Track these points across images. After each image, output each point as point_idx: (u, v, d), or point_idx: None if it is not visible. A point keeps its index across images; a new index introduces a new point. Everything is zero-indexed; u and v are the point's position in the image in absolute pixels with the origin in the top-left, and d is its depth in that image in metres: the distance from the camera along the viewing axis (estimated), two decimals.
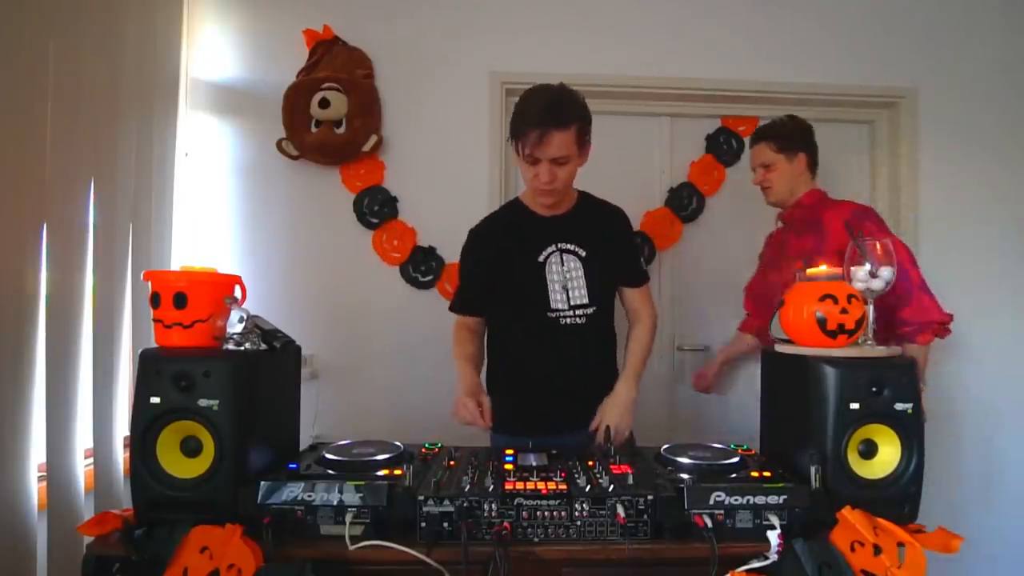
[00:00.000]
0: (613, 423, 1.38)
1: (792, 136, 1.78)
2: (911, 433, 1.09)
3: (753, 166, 1.85)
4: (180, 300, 1.08)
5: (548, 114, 1.34)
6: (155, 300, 1.09)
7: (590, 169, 2.19)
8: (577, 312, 1.48)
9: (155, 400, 1.02)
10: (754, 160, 1.84)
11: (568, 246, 1.49)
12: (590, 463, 1.20)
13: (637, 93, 2.21)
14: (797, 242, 1.78)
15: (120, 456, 1.58)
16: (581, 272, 1.48)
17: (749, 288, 2.06)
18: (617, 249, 1.55)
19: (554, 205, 1.51)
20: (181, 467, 1.04)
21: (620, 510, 1.00)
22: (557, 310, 1.47)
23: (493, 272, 1.52)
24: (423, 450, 1.31)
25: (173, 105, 1.98)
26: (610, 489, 1.02)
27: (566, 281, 1.47)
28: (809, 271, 1.23)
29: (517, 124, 1.38)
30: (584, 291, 1.47)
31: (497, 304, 1.55)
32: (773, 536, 0.97)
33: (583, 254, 1.49)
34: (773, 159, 1.78)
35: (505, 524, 0.99)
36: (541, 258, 1.48)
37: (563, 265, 1.48)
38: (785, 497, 1.02)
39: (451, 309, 1.63)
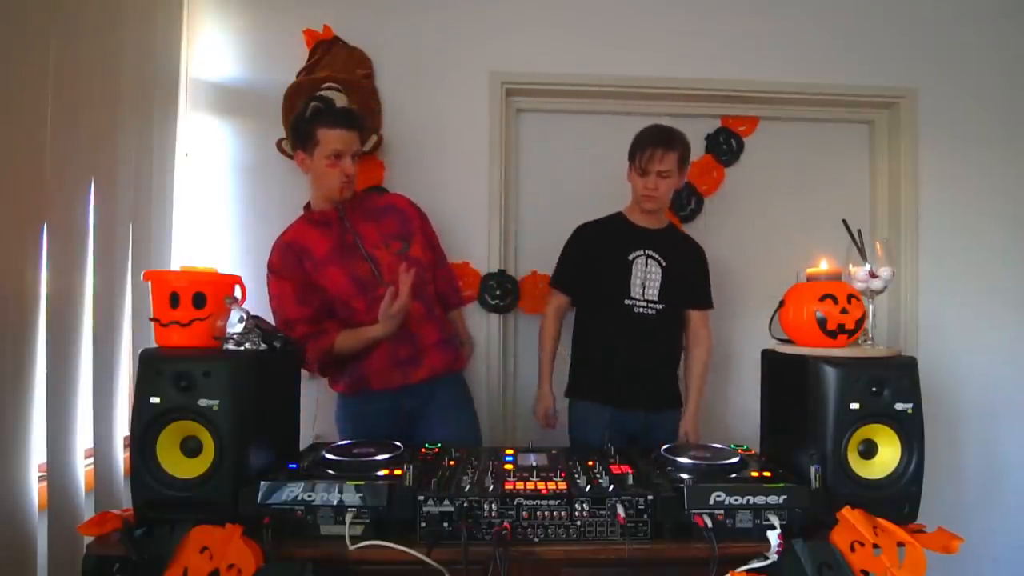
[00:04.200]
0: (689, 430, 1.85)
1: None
2: (911, 433, 1.09)
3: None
4: (200, 300, 1.10)
5: (661, 137, 1.78)
6: (174, 300, 1.10)
7: (590, 169, 2.21)
8: (650, 306, 1.81)
9: (155, 400, 1.03)
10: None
11: (654, 254, 1.83)
12: (590, 463, 1.20)
13: (637, 93, 2.20)
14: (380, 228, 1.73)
15: (120, 456, 1.58)
16: (659, 276, 1.82)
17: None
18: (690, 271, 1.89)
19: (652, 215, 1.85)
20: (181, 467, 1.04)
21: (620, 510, 1.00)
22: (634, 299, 1.80)
23: (591, 260, 1.86)
24: (423, 450, 1.31)
25: (173, 105, 1.98)
26: (610, 489, 1.03)
27: (645, 279, 1.82)
28: (809, 271, 1.23)
29: (637, 144, 1.80)
30: (657, 291, 1.82)
31: (587, 289, 1.87)
32: (773, 536, 0.98)
33: (664, 263, 1.83)
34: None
35: (505, 524, 0.99)
36: (630, 257, 1.82)
37: (646, 267, 1.82)
38: (785, 497, 1.03)
39: (551, 283, 1.95)
